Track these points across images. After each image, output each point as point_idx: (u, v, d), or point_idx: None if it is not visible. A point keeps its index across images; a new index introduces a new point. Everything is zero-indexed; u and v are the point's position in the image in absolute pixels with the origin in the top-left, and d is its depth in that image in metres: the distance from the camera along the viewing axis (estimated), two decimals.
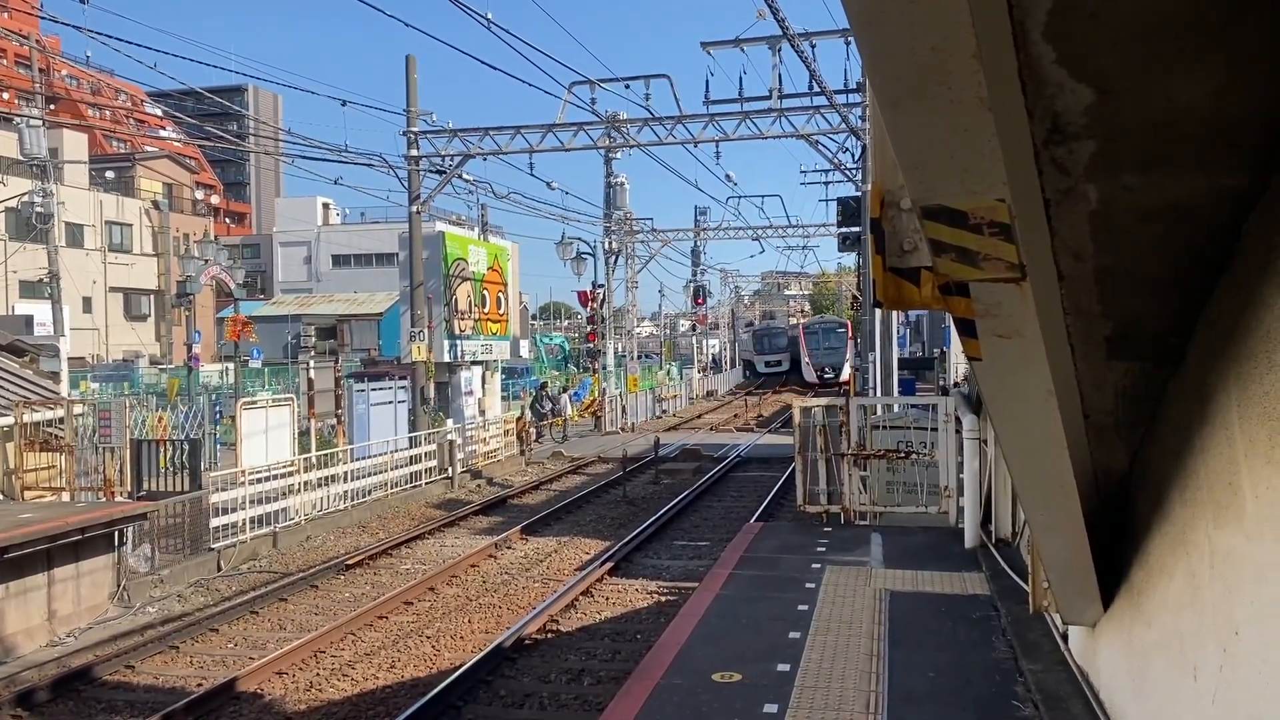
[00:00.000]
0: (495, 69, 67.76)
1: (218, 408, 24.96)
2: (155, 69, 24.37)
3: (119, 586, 12.08)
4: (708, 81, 27.53)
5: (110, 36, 16.57)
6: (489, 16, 15.15)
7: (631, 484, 20.47)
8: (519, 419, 26.90)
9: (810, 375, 53.91)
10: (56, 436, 14.89)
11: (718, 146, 24.15)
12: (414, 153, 23.42)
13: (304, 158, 32.82)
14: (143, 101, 63.30)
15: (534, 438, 27.54)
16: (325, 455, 17.57)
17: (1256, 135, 2.36)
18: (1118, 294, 3.05)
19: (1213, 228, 2.75)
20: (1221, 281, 2.95)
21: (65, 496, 14.50)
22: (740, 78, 47.52)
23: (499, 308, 26.95)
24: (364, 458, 18.93)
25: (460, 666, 9.14)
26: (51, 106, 52.09)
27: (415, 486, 19.97)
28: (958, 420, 11.04)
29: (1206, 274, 2.96)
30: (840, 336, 54.07)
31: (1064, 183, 2.55)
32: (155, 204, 52.16)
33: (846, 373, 44.89)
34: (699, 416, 39.80)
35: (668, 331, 71.78)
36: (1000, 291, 2.61)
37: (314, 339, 50.66)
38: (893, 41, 1.85)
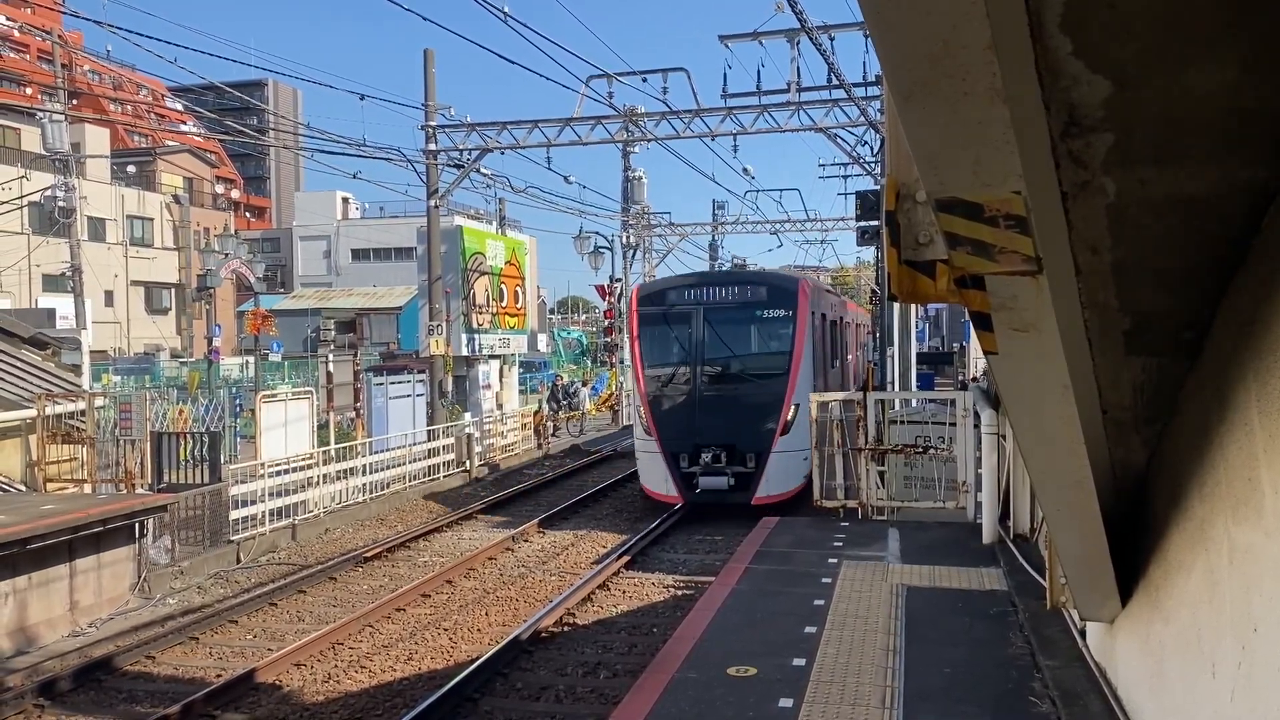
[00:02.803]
0: (513, 63, 67.67)
1: (238, 401, 25.10)
2: (176, 64, 24.79)
3: (139, 578, 12.20)
4: (725, 75, 27.57)
5: (131, 32, 16.72)
6: (506, 10, 15.16)
7: None
8: (536, 413, 26.96)
9: (656, 480, 16.43)
10: (78, 429, 15.04)
11: (735, 140, 24.01)
12: (432, 147, 23.46)
13: (323, 152, 32.94)
14: (163, 96, 63.74)
15: (551, 431, 27.58)
16: (344, 448, 17.66)
17: (1274, 128, 2.33)
18: (1135, 288, 3.03)
19: (1230, 221, 2.72)
20: (1239, 275, 2.92)
21: (86, 488, 14.64)
22: (758, 71, 47.48)
23: (516, 302, 26.98)
24: (382, 451, 19.01)
25: (477, 659, 9.17)
26: (74, 101, 52.49)
27: (433, 479, 20.06)
28: (976, 415, 10.99)
29: (1224, 268, 2.94)
30: (777, 331, 16.61)
31: (1081, 175, 2.53)
32: (176, 198, 52.50)
33: (787, 481, 15.62)
34: None
35: None
36: (1016, 285, 2.59)
37: (333, 333, 50.78)
38: (905, 32, 1.84)
